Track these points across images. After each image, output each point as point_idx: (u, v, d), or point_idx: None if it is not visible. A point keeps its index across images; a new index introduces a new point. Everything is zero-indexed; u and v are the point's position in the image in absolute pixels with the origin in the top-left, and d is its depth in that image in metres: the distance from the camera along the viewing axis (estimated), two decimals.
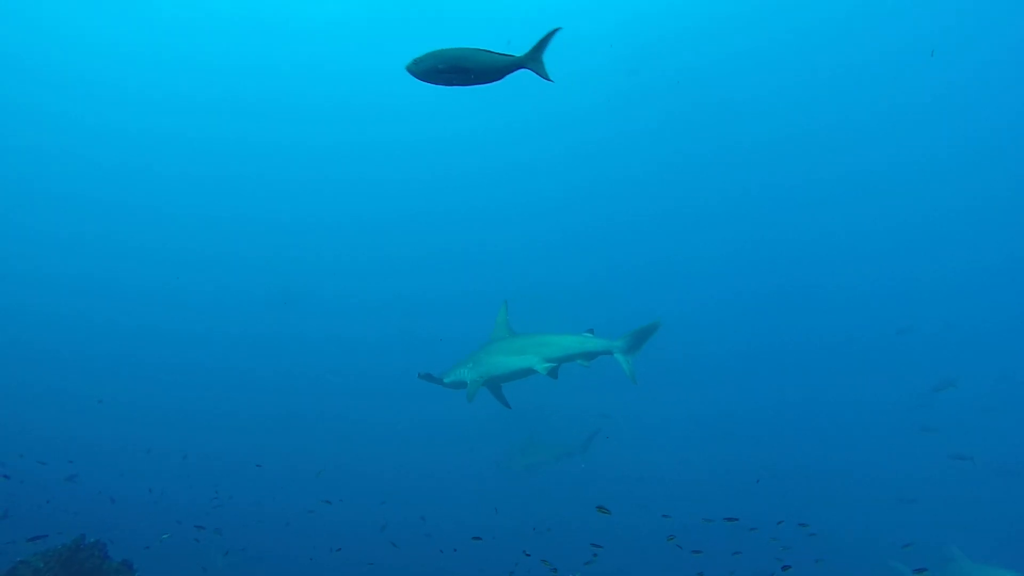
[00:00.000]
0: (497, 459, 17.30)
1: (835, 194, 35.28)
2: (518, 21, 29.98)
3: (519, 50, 3.91)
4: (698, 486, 16.58)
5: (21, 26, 33.59)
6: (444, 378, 8.35)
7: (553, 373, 7.93)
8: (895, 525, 14.49)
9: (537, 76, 3.95)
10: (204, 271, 34.89)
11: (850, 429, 22.40)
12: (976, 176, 34.15)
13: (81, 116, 37.04)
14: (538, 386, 9.55)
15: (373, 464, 18.13)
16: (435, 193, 37.91)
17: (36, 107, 36.50)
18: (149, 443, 17.00)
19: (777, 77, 33.25)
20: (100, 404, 18.02)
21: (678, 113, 34.42)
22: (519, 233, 36.36)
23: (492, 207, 37.52)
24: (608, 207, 36.18)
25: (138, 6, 32.88)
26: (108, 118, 37.12)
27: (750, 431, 22.08)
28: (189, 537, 10.74)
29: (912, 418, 19.34)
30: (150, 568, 8.16)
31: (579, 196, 36.64)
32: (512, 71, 3.87)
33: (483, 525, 11.43)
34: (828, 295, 33.22)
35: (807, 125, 34.15)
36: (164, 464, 16.30)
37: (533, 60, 3.90)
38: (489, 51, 3.74)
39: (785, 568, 6.77)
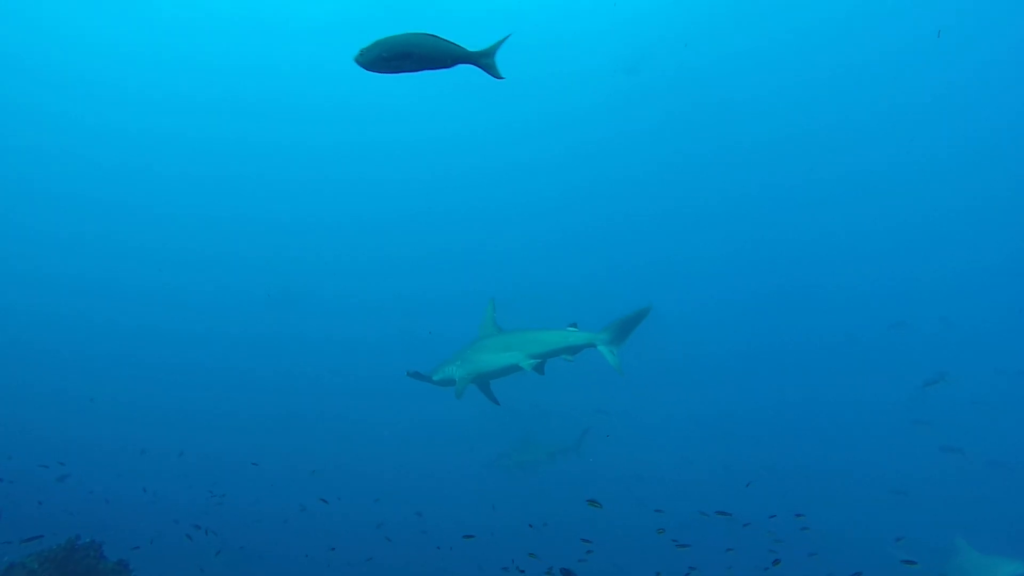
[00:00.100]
0: (491, 457, 17.37)
1: (830, 193, 35.42)
2: (518, 21, 29.91)
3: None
4: (695, 485, 16.62)
5: (21, 26, 33.46)
6: (433, 376, 8.39)
7: (539, 369, 7.92)
8: (888, 519, 14.59)
9: (489, 75, 3.99)
10: (204, 271, 34.80)
11: (844, 425, 22.48)
12: (970, 173, 34.34)
13: (81, 116, 36.95)
14: (537, 384, 9.58)
15: (370, 463, 18.14)
16: (435, 193, 37.89)
17: (36, 107, 36.38)
18: (144, 443, 16.99)
19: (774, 77, 33.39)
20: (92, 403, 17.99)
21: (676, 112, 34.49)
22: (519, 233, 36.34)
23: (492, 207, 37.51)
24: (606, 207, 36.20)
25: (138, 6, 32.80)
26: (108, 118, 37.07)
27: (745, 428, 22.13)
28: (185, 537, 10.75)
29: (905, 413, 19.43)
30: (146, 568, 8.17)
31: (578, 196, 36.66)
32: (463, 63, 3.86)
33: (479, 523, 11.47)
34: (822, 292, 33.29)
35: (802, 124, 34.27)
36: (160, 463, 16.29)
37: (486, 57, 3.92)
38: (436, 36, 3.70)
39: (775, 563, 6.81)
